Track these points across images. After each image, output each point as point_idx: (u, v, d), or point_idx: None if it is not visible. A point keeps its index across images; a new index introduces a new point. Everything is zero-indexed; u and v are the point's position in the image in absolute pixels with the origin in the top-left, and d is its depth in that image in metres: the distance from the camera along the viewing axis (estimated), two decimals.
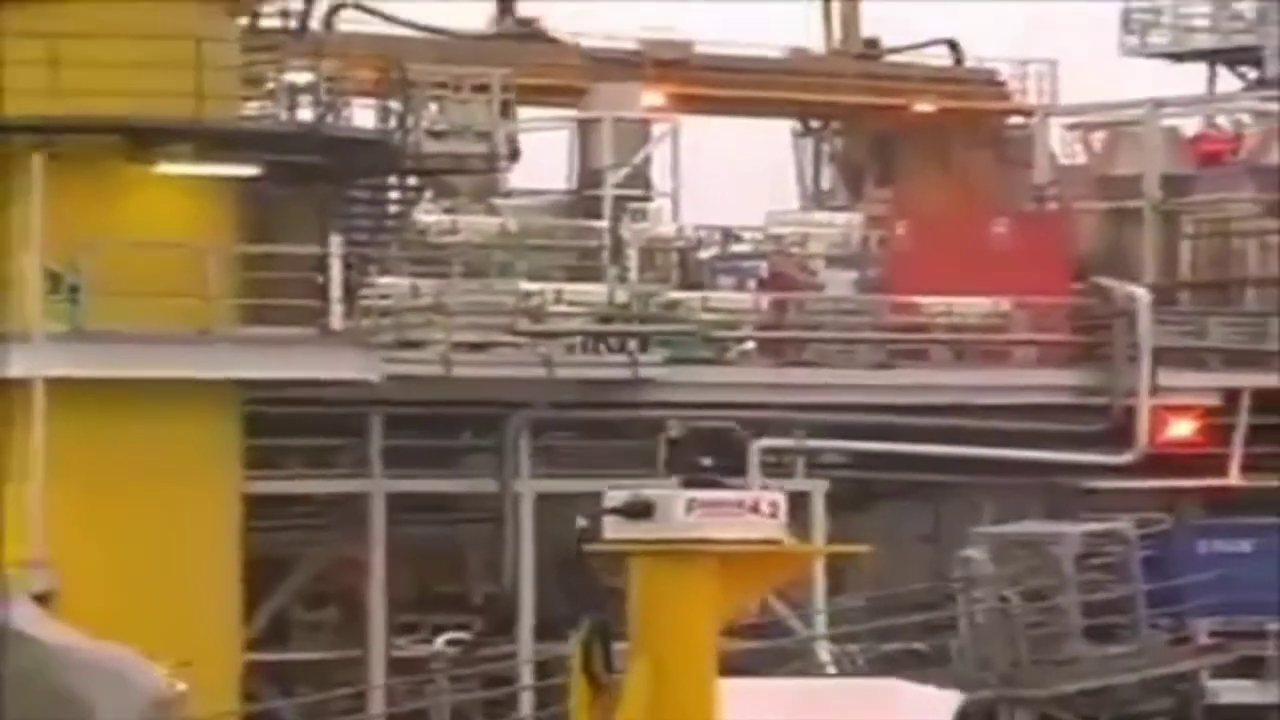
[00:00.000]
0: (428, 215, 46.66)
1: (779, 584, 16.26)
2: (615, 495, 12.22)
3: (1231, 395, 48.45)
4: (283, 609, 42.06)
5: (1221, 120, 59.09)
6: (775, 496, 12.52)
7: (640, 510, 12.03)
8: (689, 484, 12.32)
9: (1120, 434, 47.47)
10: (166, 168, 38.38)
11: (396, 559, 42.54)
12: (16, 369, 35.97)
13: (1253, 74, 61.90)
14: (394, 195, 45.70)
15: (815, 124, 58.15)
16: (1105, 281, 49.38)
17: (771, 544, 12.40)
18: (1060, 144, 56.65)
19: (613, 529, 12.20)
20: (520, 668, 42.30)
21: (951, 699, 24.62)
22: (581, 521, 12.79)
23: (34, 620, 8.27)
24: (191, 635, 33.49)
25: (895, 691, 25.45)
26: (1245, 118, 58.82)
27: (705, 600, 12.04)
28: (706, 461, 13.27)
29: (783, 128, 58.35)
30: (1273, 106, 56.42)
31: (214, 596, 38.21)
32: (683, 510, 12.06)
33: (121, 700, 8.62)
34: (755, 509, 12.33)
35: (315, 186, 40.81)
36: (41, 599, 8.34)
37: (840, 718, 18.50)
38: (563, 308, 45.04)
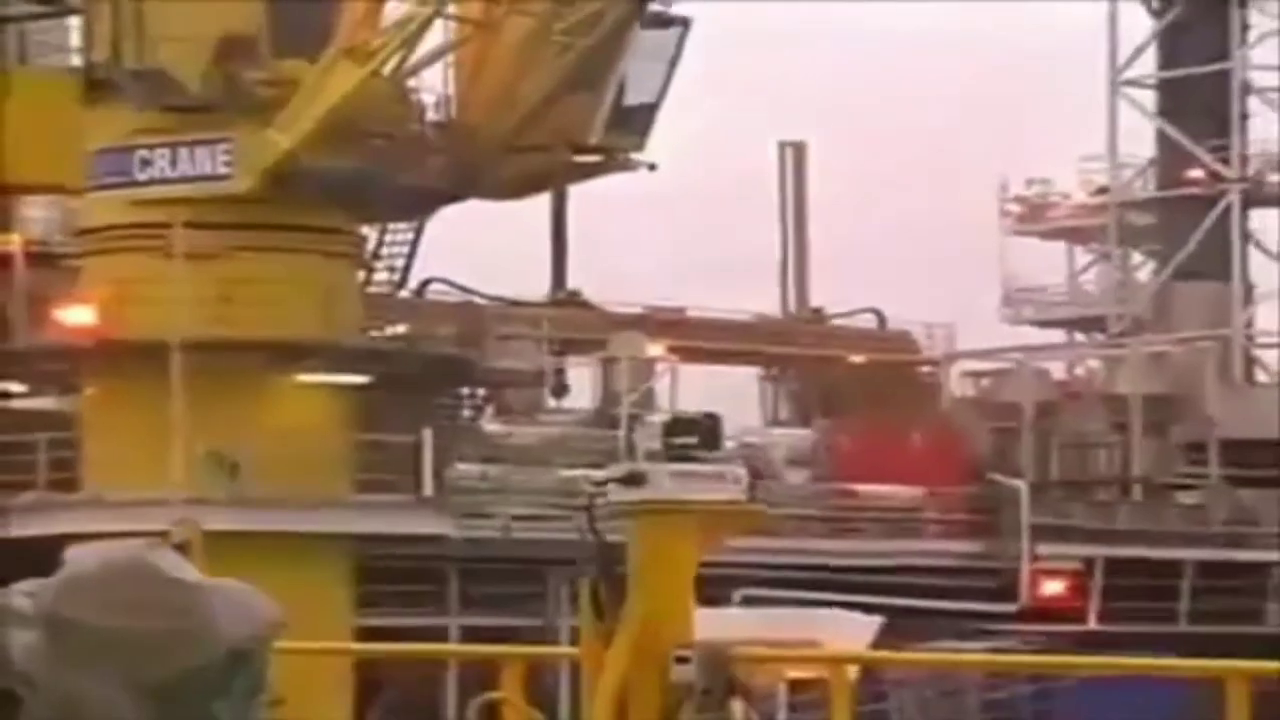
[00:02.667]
0: (492, 425, 47.52)
1: (739, 534, 15.86)
2: (617, 468, 12.22)
3: (1089, 562, 49.02)
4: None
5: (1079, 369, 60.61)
6: (739, 471, 12.30)
7: (636, 480, 11.94)
8: (675, 459, 12.18)
9: (1008, 590, 48.01)
10: (303, 377, 38.96)
11: (468, 672, 41.06)
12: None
13: (1098, 334, 63.46)
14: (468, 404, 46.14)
15: (774, 370, 58.39)
16: (996, 477, 50.27)
17: (734, 504, 12.14)
18: (958, 383, 58.45)
19: (616, 494, 12.01)
20: None
21: (874, 621, 25.12)
22: (593, 489, 12.64)
23: (176, 564, 8.23)
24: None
25: (832, 617, 25.94)
26: (1094, 363, 60.37)
27: (685, 546, 11.87)
28: (692, 440, 12.88)
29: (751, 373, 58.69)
30: (1114, 352, 57.91)
31: (332, 698, 36.82)
32: (667, 480, 11.89)
33: (242, 620, 8.54)
34: (723, 479, 12.06)
35: (412, 393, 41.18)
36: (180, 548, 8.53)
37: (788, 636, 17.95)
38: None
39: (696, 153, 78.12)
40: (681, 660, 11.50)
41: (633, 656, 11.56)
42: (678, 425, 13.11)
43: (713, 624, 12.42)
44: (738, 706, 11.86)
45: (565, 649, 13.67)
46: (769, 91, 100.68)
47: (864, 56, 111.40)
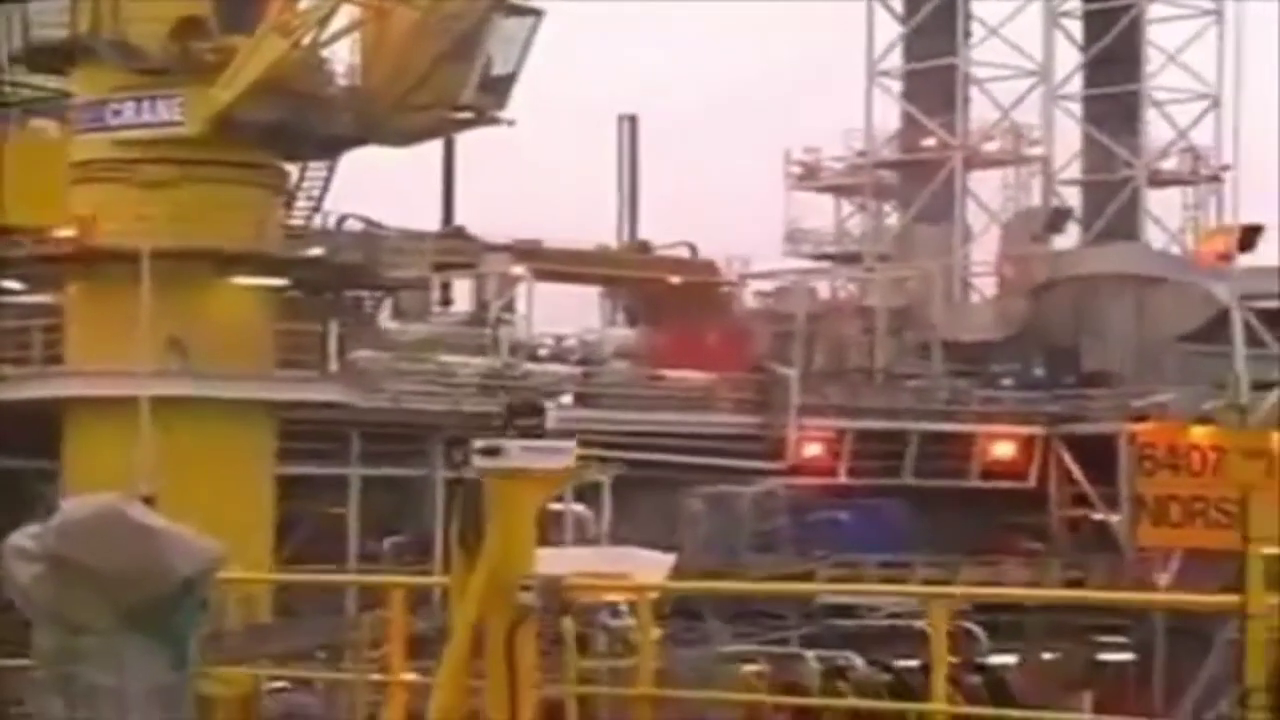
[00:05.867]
0: (389, 323, 46.97)
1: (567, 488, 15.20)
2: (479, 443, 11.63)
3: (841, 431, 49.13)
4: (298, 547, 39.87)
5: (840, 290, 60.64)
6: (569, 444, 11.87)
7: (492, 451, 11.54)
8: (522, 435, 11.76)
9: (778, 452, 47.95)
10: (238, 280, 38.19)
11: (365, 511, 42.14)
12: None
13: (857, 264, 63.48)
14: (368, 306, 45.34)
15: (611, 288, 57.78)
16: (773, 366, 50.08)
17: (564, 469, 11.77)
18: (749, 298, 58.41)
19: (478, 461, 11.56)
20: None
21: (668, 559, 24.98)
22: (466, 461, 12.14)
23: (145, 514, 7.75)
24: (241, 553, 32.71)
25: (636, 554, 25.84)
26: (851, 285, 60.32)
27: (528, 500, 11.57)
28: (534, 421, 12.39)
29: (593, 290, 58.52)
30: (866, 276, 57.92)
31: (257, 529, 36.89)
32: (516, 452, 11.50)
33: (193, 557, 7.84)
34: (557, 450, 11.72)
35: (322, 293, 40.44)
36: (148, 501, 8.10)
37: (607, 569, 17.97)
38: (465, 372, 45.12)
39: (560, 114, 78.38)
40: (525, 588, 11.39)
41: (489, 584, 11.37)
42: (521, 408, 12.51)
43: (550, 560, 12.16)
44: (567, 623, 12.00)
45: (439, 578, 13.38)
46: (611, 69, 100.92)
47: (686, 43, 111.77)
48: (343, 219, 46.33)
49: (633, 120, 62.93)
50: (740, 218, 69.10)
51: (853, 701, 30.66)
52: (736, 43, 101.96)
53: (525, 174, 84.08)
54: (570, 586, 11.56)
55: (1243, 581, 9.16)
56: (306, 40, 37.37)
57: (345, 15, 38.19)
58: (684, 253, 59.04)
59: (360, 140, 39.45)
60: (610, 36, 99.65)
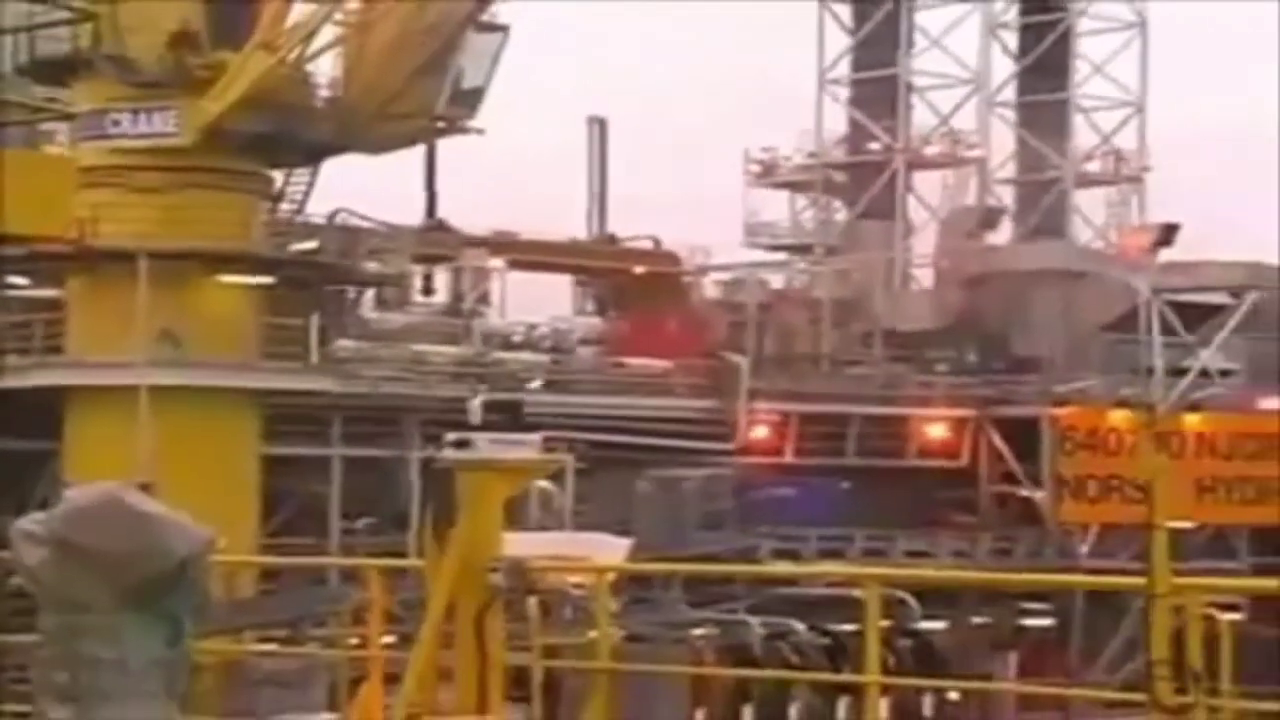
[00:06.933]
0: (371, 313, 46.18)
1: (535, 479, 15.03)
2: (450, 437, 11.66)
3: (787, 414, 48.53)
4: (285, 520, 39.89)
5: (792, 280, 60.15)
6: (535, 438, 11.91)
7: (463, 444, 11.58)
8: (489, 429, 11.83)
9: (729, 434, 47.35)
10: (227, 278, 37.96)
11: (348, 492, 41.72)
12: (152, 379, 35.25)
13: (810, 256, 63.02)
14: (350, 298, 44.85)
15: (581, 277, 57.02)
16: (726, 354, 49.52)
17: (529, 461, 11.89)
18: (710, 287, 57.75)
19: (450, 454, 11.60)
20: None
21: (626, 543, 24.73)
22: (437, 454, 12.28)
23: (143, 501, 7.80)
24: (229, 529, 32.20)
25: (598, 539, 25.53)
26: (801, 276, 59.87)
27: (497, 489, 11.58)
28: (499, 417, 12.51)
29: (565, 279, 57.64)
30: (814, 268, 57.47)
31: (243, 506, 36.90)
32: (486, 445, 11.54)
33: (187, 540, 7.86)
34: (523, 444, 11.77)
35: (304, 289, 39.97)
36: (145, 487, 8.11)
37: (569, 552, 17.56)
38: (439, 360, 44.57)
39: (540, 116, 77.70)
40: (493, 570, 11.37)
41: (460, 566, 11.34)
42: (495, 407, 12.64)
43: (516, 544, 12.04)
44: (532, 602, 11.85)
45: (416, 560, 13.18)
46: (579, 74, 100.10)
47: (653, 51, 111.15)
48: (334, 213, 45.85)
49: (602, 122, 62.38)
50: (702, 213, 68.92)
51: (780, 673, 30.52)
52: (701, 54, 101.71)
53: (504, 168, 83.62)
54: (535, 569, 11.48)
55: (1149, 563, 9.24)
56: (292, 56, 37.11)
57: (328, 32, 38.03)
58: (648, 245, 58.02)
59: (341, 148, 39.25)
60: (582, 37, 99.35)
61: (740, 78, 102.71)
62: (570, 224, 59.63)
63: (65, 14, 16.15)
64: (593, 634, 12.38)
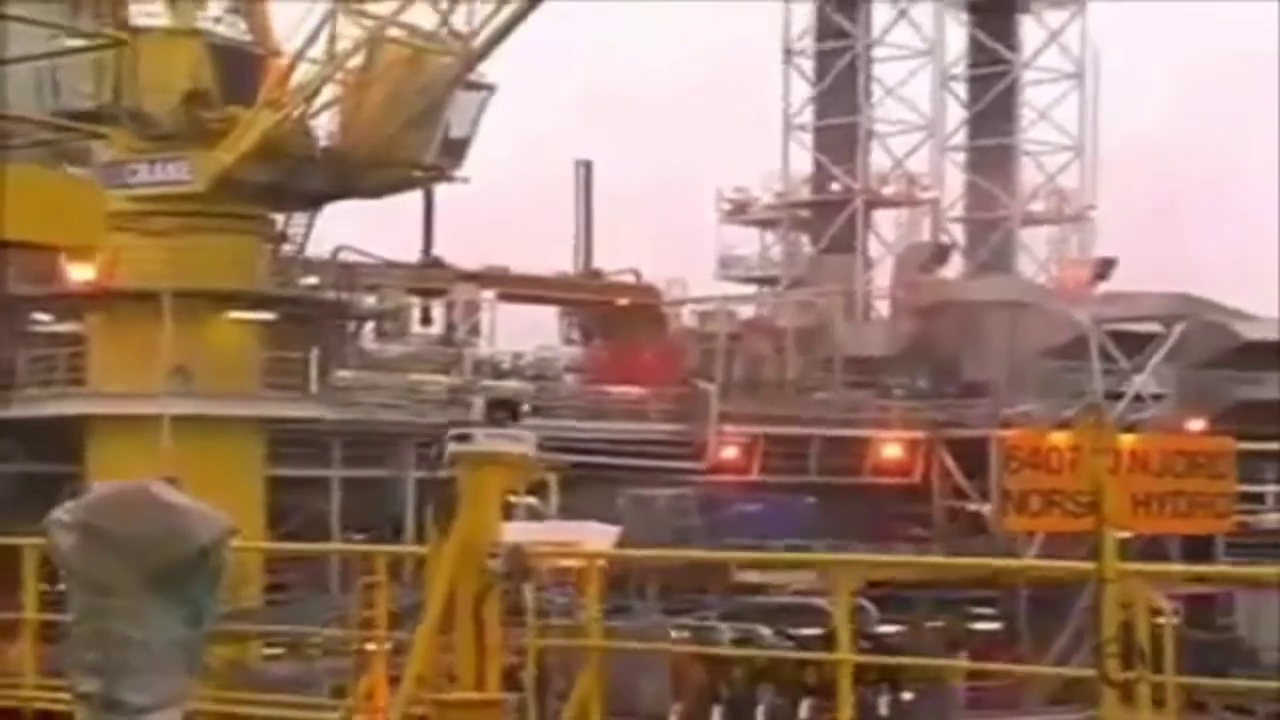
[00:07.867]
0: (370, 344, 46.49)
1: (527, 476, 15.00)
2: (454, 430, 11.44)
3: (755, 436, 48.53)
4: (289, 534, 39.25)
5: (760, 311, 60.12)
6: (530, 435, 11.68)
7: (464, 439, 11.35)
8: (492, 424, 11.65)
9: (700, 455, 47.51)
10: (233, 314, 38.19)
11: (347, 508, 41.63)
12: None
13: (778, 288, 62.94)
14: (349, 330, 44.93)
15: (567, 309, 57.02)
16: (697, 381, 49.57)
17: (524, 456, 11.62)
18: (687, 317, 57.77)
19: (453, 447, 11.34)
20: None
21: (614, 530, 24.62)
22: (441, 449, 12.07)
23: (166, 491, 7.85)
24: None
25: (587, 526, 25.56)
26: (768, 307, 59.90)
27: (496, 481, 11.39)
28: (504, 415, 12.24)
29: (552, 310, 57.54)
30: (780, 299, 57.45)
31: (249, 525, 35.76)
32: (484, 439, 11.34)
33: (208, 528, 7.87)
34: (519, 440, 11.55)
35: (304, 324, 40.21)
36: (171, 481, 8.09)
37: (561, 539, 17.35)
38: (433, 388, 44.43)
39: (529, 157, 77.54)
40: (492, 556, 11.24)
41: (461, 552, 11.23)
42: (496, 404, 12.59)
43: (514, 532, 11.98)
44: (528, 586, 11.65)
45: (419, 548, 13.09)
46: (566, 118, 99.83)
47: (630, 89, 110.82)
48: (337, 250, 45.95)
49: (588, 165, 62.43)
50: (678, 248, 68.94)
51: (755, 652, 30.59)
52: (676, 116, 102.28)
53: (497, 206, 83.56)
54: (531, 554, 11.39)
55: (1098, 554, 9.57)
56: (296, 112, 37.31)
57: (329, 90, 38.16)
58: (630, 278, 58.15)
59: (339, 195, 39.46)
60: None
61: (715, 125, 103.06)
62: (557, 258, 60.06)
63: (101, 40, 16.11)
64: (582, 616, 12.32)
